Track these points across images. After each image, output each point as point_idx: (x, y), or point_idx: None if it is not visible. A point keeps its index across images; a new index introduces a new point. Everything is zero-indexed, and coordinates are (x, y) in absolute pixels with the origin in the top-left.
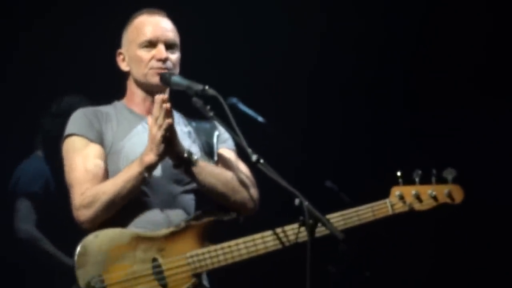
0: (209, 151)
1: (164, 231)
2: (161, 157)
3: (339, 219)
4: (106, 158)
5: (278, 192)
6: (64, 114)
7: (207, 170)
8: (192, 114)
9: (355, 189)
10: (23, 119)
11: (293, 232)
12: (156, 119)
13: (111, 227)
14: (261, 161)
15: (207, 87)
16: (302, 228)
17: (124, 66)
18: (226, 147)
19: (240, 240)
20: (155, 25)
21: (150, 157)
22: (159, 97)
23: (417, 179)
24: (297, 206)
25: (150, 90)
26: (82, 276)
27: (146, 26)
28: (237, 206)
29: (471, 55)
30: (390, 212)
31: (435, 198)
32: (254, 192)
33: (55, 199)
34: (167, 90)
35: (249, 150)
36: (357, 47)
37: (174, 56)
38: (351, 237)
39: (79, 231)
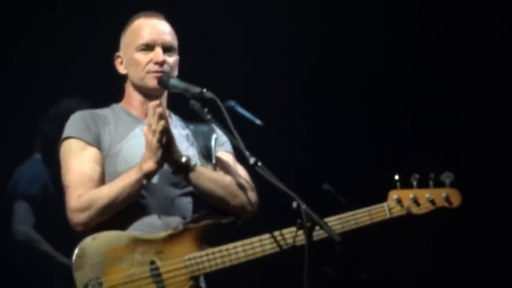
0: (207, 154)
1: (162, 233)
2: (160, 164)
3: (337, 222)
4: (103, 161)
5: (276, 195)
6: (63, 117)
7: (205, 175)
8: (190, 117)
9: (353, 192)
10: (23, 120)
11: (291, 235)
12: (151, 126)
13: (109, 230)
14: (259, 164)
15: (205, 90)
16: (300, 231)
17: (122, 69)
18: (224, 150)
19: (238, 243)
20: (153, 28)
21: (150, 165)
22: (151, 104)
23: (414, 183)
24: (295, 209)
25: (147, 93)
26: (80, 278)
27: (143, 29)
28: (236, 210)
29: (471, 56)
30: (387, 215)
31: (432, 202)
32: (252, 195)
33: (53, 202)
34: (165, 93)
35: (247, 153)
36: (357, 47)
37: (172, 59)
38: (348, 240)
39: (77, 233)
